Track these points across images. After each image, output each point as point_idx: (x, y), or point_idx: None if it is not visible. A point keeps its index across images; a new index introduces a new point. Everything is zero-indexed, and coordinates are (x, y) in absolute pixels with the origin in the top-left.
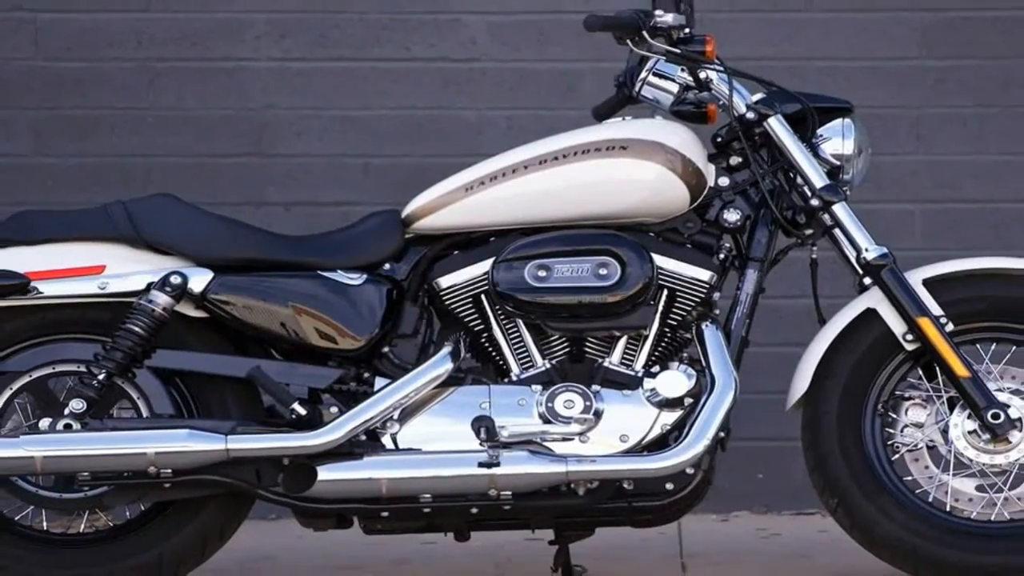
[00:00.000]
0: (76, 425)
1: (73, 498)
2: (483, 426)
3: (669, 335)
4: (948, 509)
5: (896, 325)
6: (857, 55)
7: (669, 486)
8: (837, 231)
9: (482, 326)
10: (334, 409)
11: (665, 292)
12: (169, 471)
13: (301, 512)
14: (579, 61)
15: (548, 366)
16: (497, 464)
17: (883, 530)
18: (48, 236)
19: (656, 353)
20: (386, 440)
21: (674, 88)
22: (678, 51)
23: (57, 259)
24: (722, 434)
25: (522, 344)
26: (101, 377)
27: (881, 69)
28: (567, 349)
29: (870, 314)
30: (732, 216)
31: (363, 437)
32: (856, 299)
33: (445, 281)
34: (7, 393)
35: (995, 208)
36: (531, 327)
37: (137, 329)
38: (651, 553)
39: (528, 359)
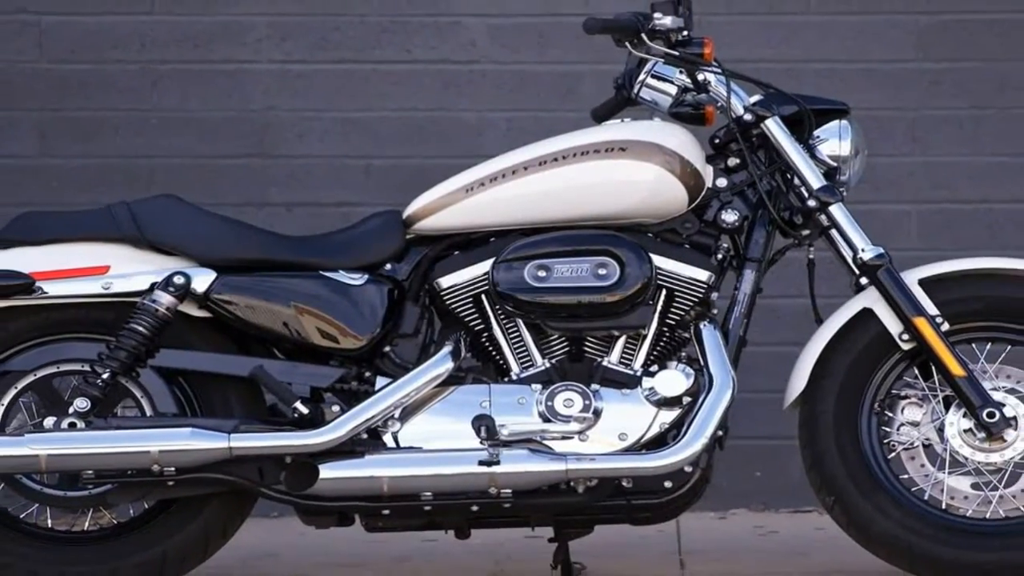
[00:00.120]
0: (80, 424)
1: (77, 496)
2: (483, 425)
3: (667, 335)
4: (944, 507)
5: (892, 325)
6: (854, 57)
7: (668, 484)
8: (834, 231)
9: (482, 326)
10: (336, 408)
11: (664, 292)
12: (172, 469)
13: (303, 510)
14: (578, 63)
15: (548, 365)
16: (497, 462)
17: (879, 527)
18: (52, 236)
19: (655, 352)
20: (387, 438)
21: (672, 90)
22: (676, 53)
23: (61, 259)
24: (720, 433)
25: (522, 343)
26: (105, 376)
27: (877, 71)
28: (566, 348)
29: (866, 314)
30: (730, 217)
31: (364, 435)
32: (853, 299)
33: (446, 281)
34: (12, 392)
35: (990, 209)
36: (531, 327)
37: (141, 329)
38: (650, 550)
39: (528, 358)
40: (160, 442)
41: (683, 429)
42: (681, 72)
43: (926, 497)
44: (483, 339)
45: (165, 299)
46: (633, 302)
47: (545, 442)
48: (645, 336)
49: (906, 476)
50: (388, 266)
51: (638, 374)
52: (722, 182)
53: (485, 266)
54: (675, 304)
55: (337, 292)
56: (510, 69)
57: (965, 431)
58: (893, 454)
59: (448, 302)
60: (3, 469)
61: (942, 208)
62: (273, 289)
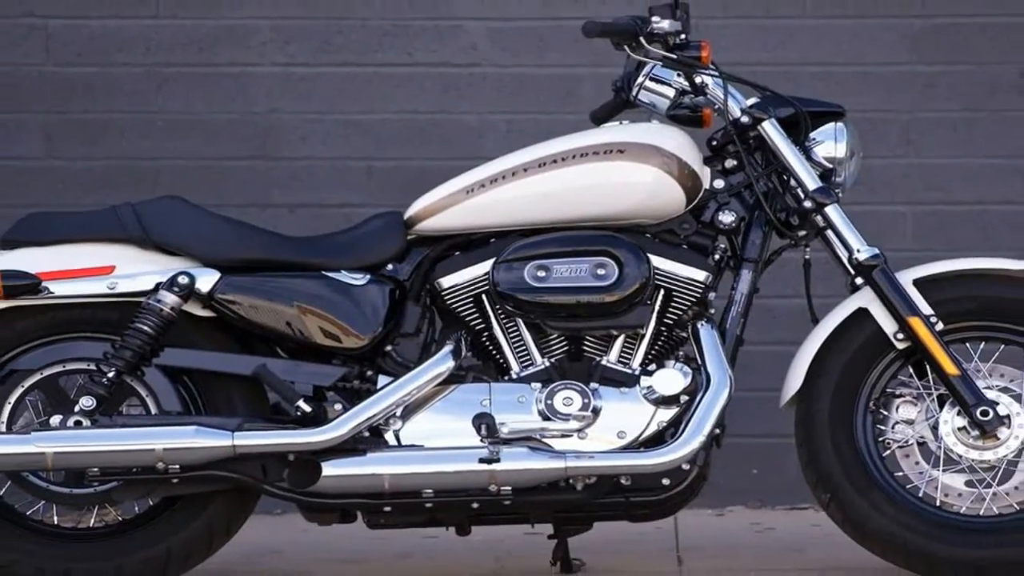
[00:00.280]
0: (86, 422)
1: (83, 493)
2: (484, 423)
3: (665, 334)
4: (938, 504)
5: (887, 324)
6: (849, 61)
7: (665, 481)
8: (829, 232)
9: (483, 325)
10: (338, 406)
11: (661, 292)
12: (177, 467)
13: (306, 507)
14: (578, 66)
15: (547, 364)
16: (497, 460)
17: (874, 524)
18: (59, 237)
19: (653, 352)
20: (389, 436)
21: (670, 93)
22: (674, 56)
23: (68, 260)
24: (717, 431)
25: (522, 343)
26: (110, 375)
27: (872, 74)
28: (566, 348)
29: (862, 313)
30: (727, 218)
31: (366, 433)
32: (848, 299)
33: (447, 281)
34: (19, 391)
35: (983, 210)
36: (531, 326)
37: (146, 328)
38: (648, 547)
39: (528, 357)
40: (165, 440)
41: (681, 427)
42: (679, 75)
43: (921, 494)
44: (483, 338)
45: (170, 299)
46: (631, 302)
47: (545, 440)
48: (643, 335)
49: (901, 473)
50: (390, 266)
51: (636, 373)
52: (719, 183)
53: (485, 266)
54: (673, 304)
55: (339, 292)
56: (510, 72)
57: (959, 429)
58: (888, 452)
59: (449, 302)
60: (10, 467)
61: (936, 209)
62: (276, 289)
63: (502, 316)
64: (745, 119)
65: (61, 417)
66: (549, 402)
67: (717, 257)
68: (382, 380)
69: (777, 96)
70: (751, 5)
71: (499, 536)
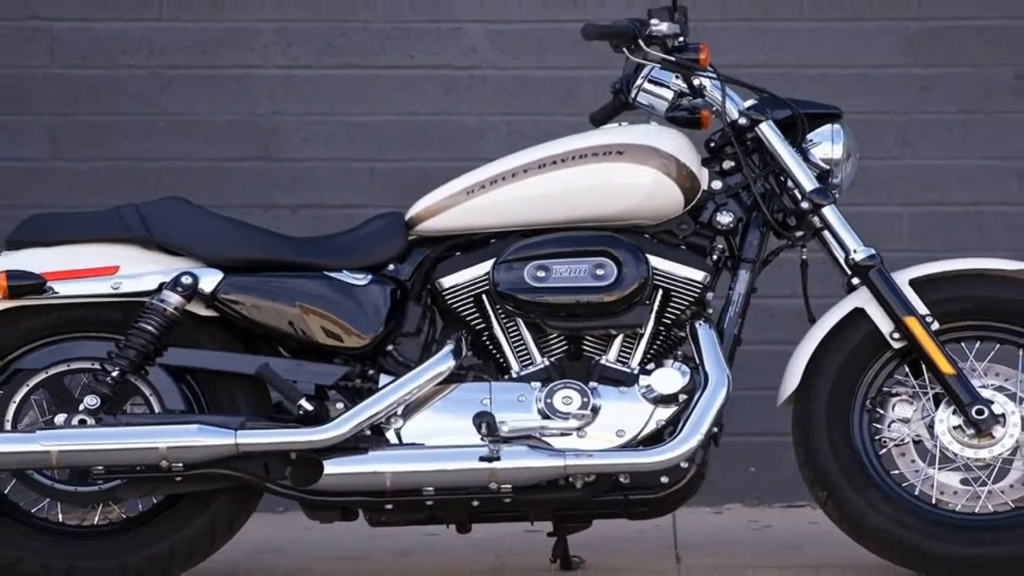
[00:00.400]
0: (90, 421)
1: (87, 491)
2: (484, 421)
3: (664, 333)
4: (934, 502)
5: (883, 324)
6: (845, 63)
7: (664, 480)
8: (826, 233)
9: (483, 325)
10: (340, 405)
11: (660, 292)
12: (180, 465)
13: (308, 505)
14: (577, 69)
15: (547, 364)
16: (497, 458)
17: (871, 522)
18: (63, 238)
19: (651, 351)
20: (390, 435)
21: (669, 95)
22: (673, 59)
23: (72, 260)
24: (715, 429)
25: (522, 342)
26: (114, 374)
27: (868, 76)
28: (565, 347)
29: (858, 313)
30: (725, 218)
31: (368, 432)
32: (845, 299)
33: (447, 281)
34: (24, 390)
35: (979, 211)
36: (530, 326)
37: (149, 328)
38: (646, 544)
39: (528, 357)
40: (168, 439)
41: (679, 426)
42: (677, 77)
43: (916, 492)
44: (484, 338)
45: (173, 299)
46: (630, 302)
47: (544, 438)
48: (642, 335)
49: (897, 472)
50: (391, 267)
51: (635, 372)
52: (717, 184)
53: (486, 267)
54: (671, 304)
55: (341, 292)
56: (510, 74)
57: (955, 428)
58: (884, 450)
59: (449, 302)
60: (15, 465)
61: (932, 210)
62: (279, 289)
63: (502, 316)
64: (743, 121)
65: (66, 416)
66: (549, 401)
67: (715, 257)
68: (383, 379)
69: (774, 98)
70: (749, 8)
71: (499, 534)
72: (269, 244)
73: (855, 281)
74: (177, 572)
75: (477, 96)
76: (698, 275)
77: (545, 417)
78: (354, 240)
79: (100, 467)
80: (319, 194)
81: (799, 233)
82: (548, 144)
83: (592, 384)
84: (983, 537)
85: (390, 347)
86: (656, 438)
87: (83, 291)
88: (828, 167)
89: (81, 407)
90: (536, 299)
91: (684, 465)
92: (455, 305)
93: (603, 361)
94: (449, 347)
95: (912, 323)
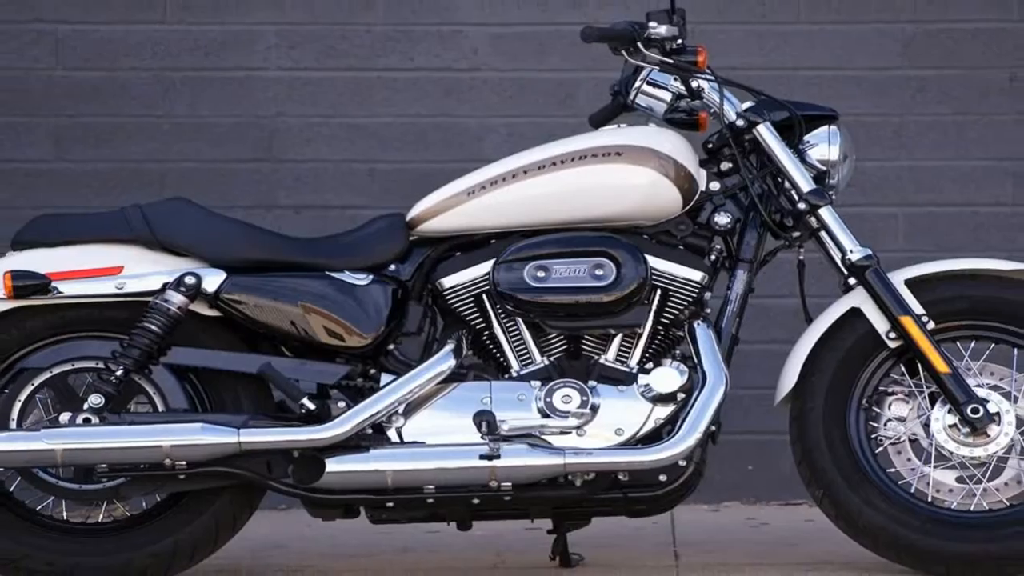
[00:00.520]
0: (95, 419)
1: (92, 489)
2: (484, 420)
3: (662, 333)
4: (929, 499)
5: (880, 323)
6: (842, 65)
7: (662, 477)
8: (823, 233)
9: (483, 324)
10: (342, 404)
11: (658, 292)
12: (184, 463)
13: (310, 502)
14: (576, 71)
15: (547, 363)
16: (497, 457)
17: (867, 519)
18: (68, 238)
19: (650, 350)
20: (391, 433)
21: (667, 97)
22: (671, 61)
23: (76, 260)
24: (713, 428)
25: (522, 342)
26: (119, 373)
27: (865, 79)
28: (565, 346)
29: (855, 313)
30: (723, 219)
31: (369, 431)
32: (841, 299)
33: (448, 281)
34: (29, 388)
35: (974, 211)
36: (530, 325)
37: (153, 327)
38: (645, 542)
39: (527, 356)
40: (172, 437)
41: (677, 424)
42: (675, 79)
43: (912, 490)
44: (484, 337)
45: (177, 299)
46: (629, 301)
47: (544, 437)
48: (641, 334)
49: (893, 470)
50: (392, 267)
51: (634, 371)
52: (715, 185)
53: (486, 267)
54: (670, 303)
55: (343, 292)
56: (510, 77)
57: (950, 426)
58: (880, 448)
59: (450, 301)
60: (20, 463)
61: (927, 211)
62: (281, 289)
63: (502, 315)
64: (740, 122)
65: (70, 414)
66: (548, 400)
67: (713, 258)
68: (385, 378)
69: (772, 100)
70: (746, 11)
71: (499, 531)
72: (272, 244)
73: (851, 281)
74: (180, 569)
75: (477, 98)
76: (696, 275)
77: (545, 416)
78: (356, 240)
79: (104, 465)
80: (321, 195)
81: (796, 234)
82: (548, 145)
83: (591, 383)
84: (978, 534)
85: (391, 346)
86: (655, 436)
87: (87, 291)
88: (825, 168)
89: (85, 406)
90: (536, 299)
91: (682, 463)
92: (455, 305)
93: (602, 360)
94: (449, 346)
95: (908, 323)
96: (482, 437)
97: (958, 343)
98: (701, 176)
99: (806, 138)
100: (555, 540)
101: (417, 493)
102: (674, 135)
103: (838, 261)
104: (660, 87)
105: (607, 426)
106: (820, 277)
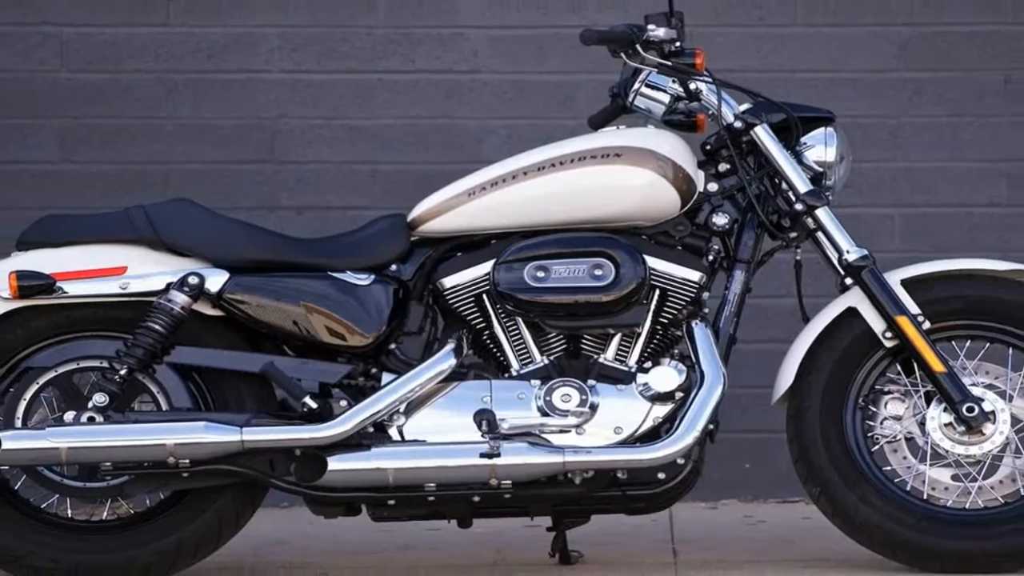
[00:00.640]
0: (99, 418)
1: (96, 487)
2: (484, 419)
3: (661, 332)
4: (925, 497)
5: (876, 323)
6: (838, 67)
7: (661, 476)
8: (820, 234)
9: (484, 324)
10: (343, 403)
11: (657, 292)
12: (187, 461)
13: (312, 500)
14: (575, 73)
15: (546, 362)
16: (498, 455)
17: (863, 517)
18: (72, 239)
19: (648, 350)
20: (393, 432)
21: (665, 99)
22: (669, 63)
23: (81, 260)
24: (711, 426)
25: (521, 341)
26: (123, 372)
27: (861, 81)
28: (564, 346)
29: (851, 313)
30: (720, 220)
31: (371, 429)
32: (838, 298)
33: (449, 281)
34: (34, 387)
35: (969, 212)
36: (530, 325)
37: (157, 327)
38: (644, 539)
39: (527, 355)
40: (175, 435)
41: (676, 423)
42: (674, 81)
43: (908, 488)
44: (484, 337)
45: (180, 298)
46: (628, 301)
47: (544, 435)
48: (639, 334)
49: (889, 468)
50: (393, 267)
51: (633, 370)
52: (713, 186)
53: (486, 267)
54: (668, 303)
55: (345, 292)
56: (510, 79)
57: (945, 425)
58: (877, 447)
59: (451, 301)
60: (26, 461)
61: (923, 212)
62: (283, 289)
63: (502, 315)
64: (738, 124)
65: (75, 413)
66: (548, 398)
67: (711, 258)
68: (386, 377)
69: (769, 102)
70: (743, 14)
71: (499, 528)
72: (274, 245)
73: (848, 281)
74: (184, 566)
75: (477, 100)
76: (694, 275)
77: (544, 414)
78: (357, 241)
79: (108, 463)
80: (323, 196)
81: (793, 234)
82: (547, 147)
83: (590, 382)
84: (973, 532)
85: (392, 346)
86: (653, 435)
87: (92, 291)
88: (821, 169)
89: (90, 405)
90: (535, 299)
91: (680, 461)
92: (456, 305)
93: (601, 359)
94: (450, 346)
95: (904, 322)
96: (482, 436)
97: (953, 342)
98: (699, 177)
99: (803, 140)
100: (555, 537)
101: (418, 491)
102: (673, 137)
103: (835, 261)
104: (659, 89)
105: (606, 425)
106: (817, 277)
